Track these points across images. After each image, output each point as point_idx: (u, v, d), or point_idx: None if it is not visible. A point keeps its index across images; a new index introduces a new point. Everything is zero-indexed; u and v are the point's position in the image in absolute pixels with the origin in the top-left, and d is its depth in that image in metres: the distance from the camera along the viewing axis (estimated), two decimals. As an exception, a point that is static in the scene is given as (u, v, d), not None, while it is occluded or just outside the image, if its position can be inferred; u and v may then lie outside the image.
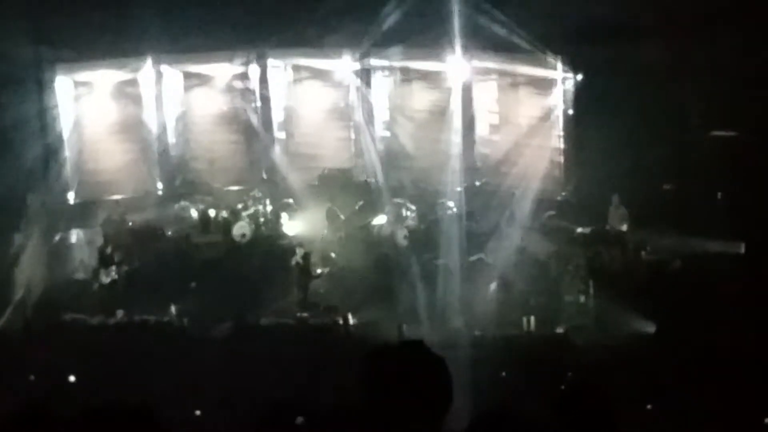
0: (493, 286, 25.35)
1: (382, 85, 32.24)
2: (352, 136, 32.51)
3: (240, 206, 29.60)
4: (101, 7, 28.43)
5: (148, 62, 30.97)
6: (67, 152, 30.87)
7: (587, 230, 26.99)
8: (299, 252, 26.04)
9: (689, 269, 24.57)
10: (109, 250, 26.88)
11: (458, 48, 28.86)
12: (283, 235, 29.19)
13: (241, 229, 28.72)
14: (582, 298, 24.40)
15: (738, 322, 20.75)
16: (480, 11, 27.01)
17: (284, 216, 29.71)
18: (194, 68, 31.81)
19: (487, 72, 30.38)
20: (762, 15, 24.46)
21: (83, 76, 31.00)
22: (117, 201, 30.09)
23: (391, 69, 31.89)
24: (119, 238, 28.03)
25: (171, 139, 31.90)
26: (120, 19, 28.56)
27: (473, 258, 26.50)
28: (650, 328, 22.72)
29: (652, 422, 18.28)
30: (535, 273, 25.37)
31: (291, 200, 30.48)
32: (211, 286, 25.85)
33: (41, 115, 29.84)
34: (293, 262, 25.90)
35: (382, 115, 32.31)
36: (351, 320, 24.52)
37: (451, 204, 28.94)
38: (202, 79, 32.06)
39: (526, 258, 25.92)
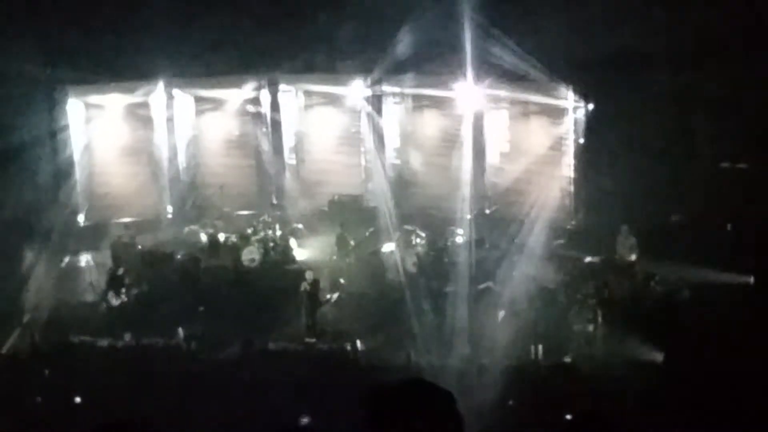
0: (501, 314, 25.30)
1: (393, 111, 32.34)
2: (363, 162, 32.60)
3: (249, 231, 29.63)
4: (113, 31, 28.57)
5: (160, 86, 31.11)
6: (78, 174, 30.99)
7: (596, 259, 26.97)
8: (308, 277, 25.98)
9: (697, 299, 24.51)
10: (118, 272, 26.90)
11: (469, 76, 28.90)
12: (293, 260, 29.21)
13: (250, 253, 28.74)
14: (590, 327, 24.30)
15: (746, 353, 20.68)
16: (491, 40, 27.07)
17: (294, 241, 29.73)
18: (206, 93, 31.97)
19: (498, 100, 30.44)
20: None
21: (95, 99, 31.17)
22: (127, 224, 30.12)
23: (402, 96, 31.98)
24: (128, 260, 28.05)
25: (181, 163, 32.02)
26: (132, 42, 28.70)
27: (482, 286, 26.46)
28: (658, 358, 22.65)
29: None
30: (543, 301, 25.29)
31: (301, 225, 30.53)
32: (219, 310, 25.85)
33: (53, 137, 30.00)
34: (302, 288, 25.84)
35: (392, 141, 32.41)
36: (359, 346, 24.47)
37: (460, 231, 28.92)
38: (214, 104, 32.24)
39: (535, 286, 25.85)
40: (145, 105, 31.55)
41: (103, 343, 24.89)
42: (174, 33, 28.44)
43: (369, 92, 31.83)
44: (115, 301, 26.30)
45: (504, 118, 30.89)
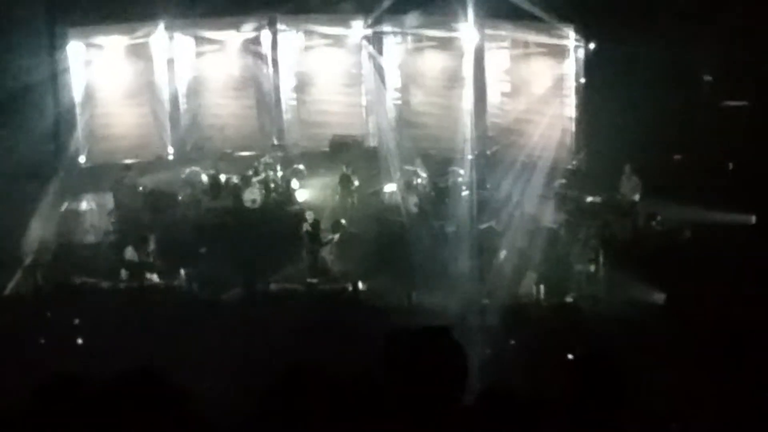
0: (503, 254, 25.32)
1: (395, 51, 32.19)
2: (364, 102, 32.52)
3: (251, 172, 29.51)
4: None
5: (161, 27, 30.92)
6: (79, 116, 30.88)
7: (598, 199, 26.92)
8: (309, 218, 26.00)
9: (699, 239, 24.53)
10: (119, 214, 26.87)
11: (471, 15, 28.72)
12: (294, 201, 29.17)
13: (251, 194, 28.65)
14: (592, 267, 24.31)
15: (748, 292, 20.73)
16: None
17: (295, 182, 29.65)
18: (206, 33, 31.78)
19: (499, 39, 30.29)
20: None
21: (95, 40, 30.97)
22: (128, 165, 29.98)
23: (403, 35, 31.82)
24: (129, 202, 28.03)
25: (182, 104, 31.89)
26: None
27: (483, 226, 26.44)
28: (659, 298, 22.70)
29: (659, 393, 18.30)
30: (545, 241, 25.29)
31: (302, 166, 30.44)
32: (221, 251, 25.83)
33: (53, 79, 29.82)
34: (303, 229, 25.86)
35: (394, 81, 32.28)
36: (360, 287, 24.52)
37: (462, 172, 28.83)
38: (214, 45, 32.06)
39: (537, 226, 25.87)
40: (145, 46, 31.37)
41: (105, 284, 24.94)
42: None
43: (370, 32, 31.70)
44: (116, 243, 26.30)
45: (505, 57, 30.73)
